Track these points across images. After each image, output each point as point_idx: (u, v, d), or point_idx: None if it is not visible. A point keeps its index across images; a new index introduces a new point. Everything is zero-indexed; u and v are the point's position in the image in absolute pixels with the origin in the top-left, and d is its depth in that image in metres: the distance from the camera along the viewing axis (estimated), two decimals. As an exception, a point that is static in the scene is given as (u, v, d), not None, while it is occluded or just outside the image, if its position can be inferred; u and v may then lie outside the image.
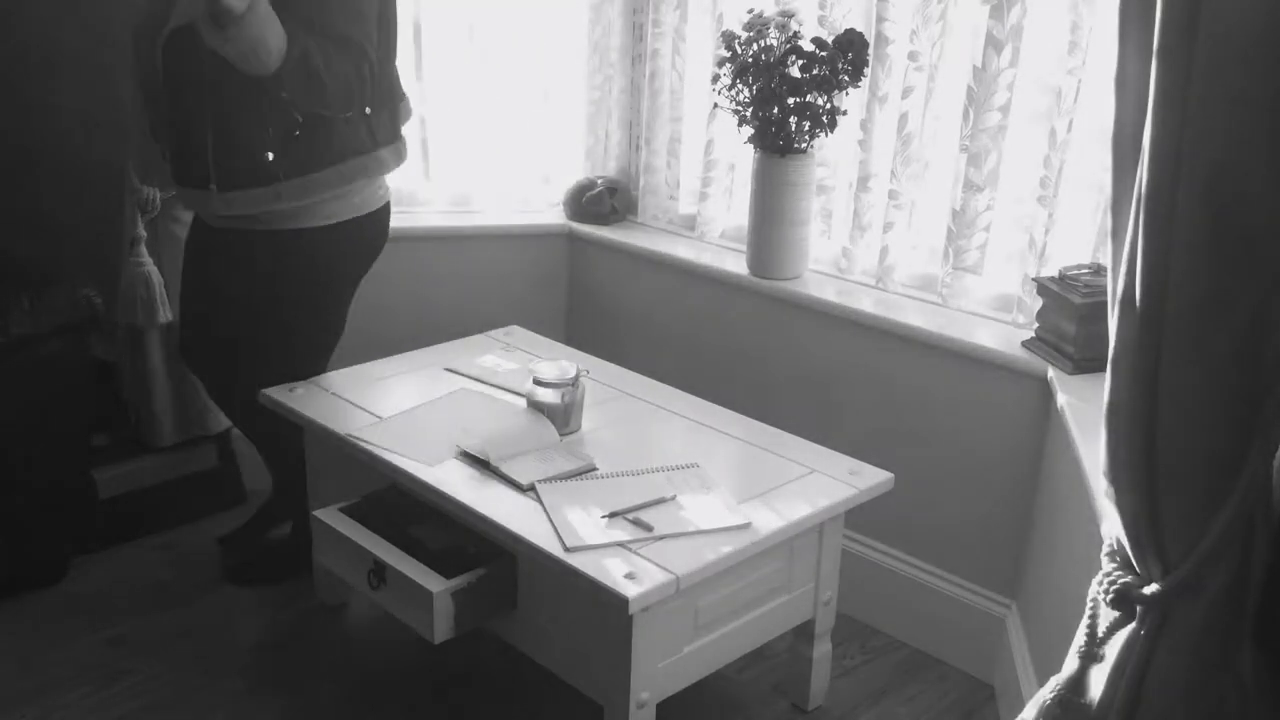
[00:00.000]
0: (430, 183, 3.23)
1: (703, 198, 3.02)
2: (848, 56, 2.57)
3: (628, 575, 1.88)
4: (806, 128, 2.64)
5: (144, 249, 2.84)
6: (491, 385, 2.57)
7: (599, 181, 3.22)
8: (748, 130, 2.70)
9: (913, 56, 2.52)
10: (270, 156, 2.35)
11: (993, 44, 2.36)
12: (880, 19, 2.57)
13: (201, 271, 2.62)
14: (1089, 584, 1.16)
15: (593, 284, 3.24)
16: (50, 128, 2.94)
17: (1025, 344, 2.39)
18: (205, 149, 2.36)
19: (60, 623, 2.61)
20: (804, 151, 2.68)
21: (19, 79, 2.90)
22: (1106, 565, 1.14)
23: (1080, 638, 1.17)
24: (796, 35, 2.62)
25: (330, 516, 2.28)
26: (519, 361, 2.67)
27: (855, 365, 2.66)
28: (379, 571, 2.14)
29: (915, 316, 2.56)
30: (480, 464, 2.20)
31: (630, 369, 2.73)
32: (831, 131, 2.67)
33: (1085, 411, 2.08)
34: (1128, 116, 1.03)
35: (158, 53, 2.35)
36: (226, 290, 2.55)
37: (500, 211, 3.28)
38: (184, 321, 2.70)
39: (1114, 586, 1.11)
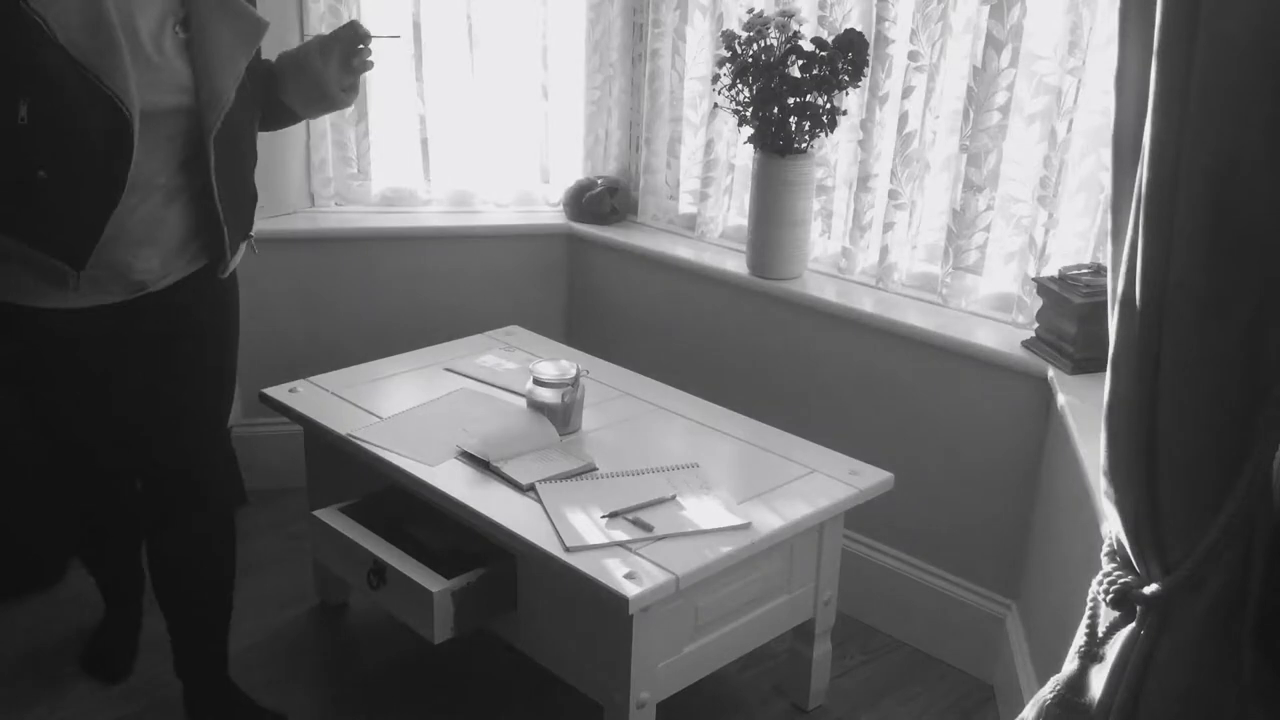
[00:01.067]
0: (430, 182, 3.23)
1: (703, 198, 3.02)
2: (848, 56, 2.57)
3: (627, 575, 1.88)
4: (806, 128, 2.64)
5: None
6: (491, 385, 2.57)
7: (599, 181, 3.22)
8: (748, 130, 2.70)
9: (913, 56, 2.52)
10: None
11: (993, 44, 2.37)
12: (880, 19, 2.58)
13: (166, 355, 2.12)
14: (1089, 584, 1.16)
15: (593, 284, 3.24)
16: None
17: (1025, 344, 2.39)
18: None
19: (60, 623, 2.61)
20: (804, 151, 2.68)
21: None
22: (1106, 565, 1.14)
23: (1080, 638, 1.17)
24: (796, 35, 2.62)
25: (330, 516, 2.28)
26: (519, 361, 2.67)
27: (855, 365, 2.66)
28: (379, 571, 2.14)
29: (915, 316, 2.56)
30: (480, 464, 2.20)
31: (630, 369, 2.73)
32: (831, 131, 2.67)
33: (1085, 411, 2.08)
34: (1128, 116, 1.03)
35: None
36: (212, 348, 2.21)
37: (500, 211, 3.28)
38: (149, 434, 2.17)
39: (1114, 586, 1.11)
